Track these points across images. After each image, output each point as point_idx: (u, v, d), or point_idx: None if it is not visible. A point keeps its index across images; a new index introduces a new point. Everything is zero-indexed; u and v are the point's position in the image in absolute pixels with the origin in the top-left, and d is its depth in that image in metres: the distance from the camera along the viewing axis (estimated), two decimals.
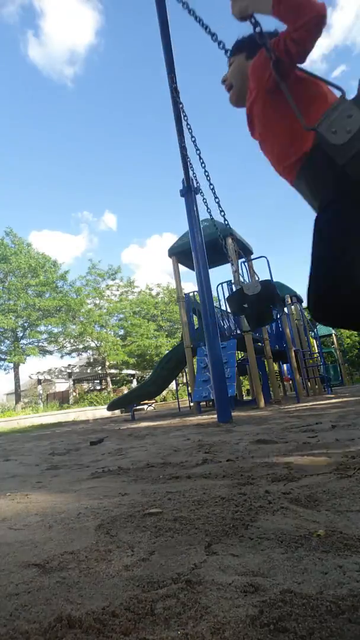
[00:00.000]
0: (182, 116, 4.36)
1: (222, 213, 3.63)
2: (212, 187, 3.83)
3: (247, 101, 1.45)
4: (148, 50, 60.93)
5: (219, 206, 3.64)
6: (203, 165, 3.96)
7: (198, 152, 4.02)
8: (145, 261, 68.62)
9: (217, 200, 3.73)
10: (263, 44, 1.26)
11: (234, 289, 2.79)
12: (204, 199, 4.26)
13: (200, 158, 4.01)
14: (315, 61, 68.88)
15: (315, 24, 1.14)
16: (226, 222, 3.41)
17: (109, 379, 23.94)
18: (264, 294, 2.71)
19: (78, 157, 57.25)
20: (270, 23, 1.29)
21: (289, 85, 1.23)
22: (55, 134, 53.22)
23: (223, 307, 9.07)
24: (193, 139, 4.07)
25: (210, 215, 4.09)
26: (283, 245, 72.12)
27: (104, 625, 0.63)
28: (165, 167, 62.35)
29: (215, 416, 4.96)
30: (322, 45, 68.47)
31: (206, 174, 3.91)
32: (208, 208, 4.17)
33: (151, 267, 63.34)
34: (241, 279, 4.19)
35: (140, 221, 67.94)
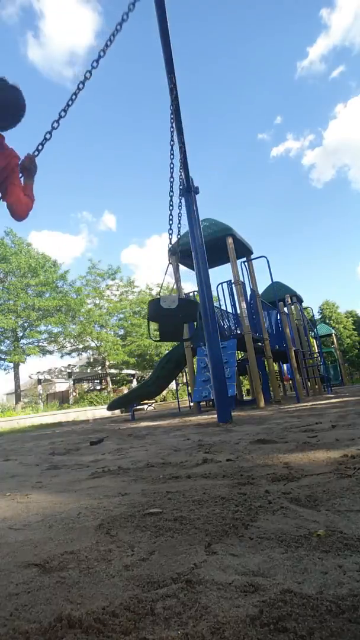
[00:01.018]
0: (180, 116, 4.36)
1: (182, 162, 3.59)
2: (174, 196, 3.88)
3: None
4: (147, 50, 60.92)
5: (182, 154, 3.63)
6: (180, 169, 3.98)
7: (182, 148, 4.04)
8: (145, 261, 68.61)
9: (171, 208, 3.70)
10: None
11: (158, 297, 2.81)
12: (179, 204, 4.26)
13: (187, 163, 4.07)
14: (314, 62, 68.79)
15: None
16: (189, 178, 3.43)
17: (109, 378, 23.94)
18: (178, 312, 2.71)
19: (77, 158, 57.30)
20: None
21: None
22: (53, 134, 53.16)
23: (223, 307, 9.07)
24: (181, 144, 4.11)
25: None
26: (283, 245, 72.17)
27: (104, 625, 0.63)
28: (164, 168, 62.14)
29: (215, 416, 4.96)
30: (320, 46, 68.38)
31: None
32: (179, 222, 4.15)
33: (151, 267, 63.34)
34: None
35: (139, 221, 67.97)
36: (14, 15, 48.41)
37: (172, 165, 3.81)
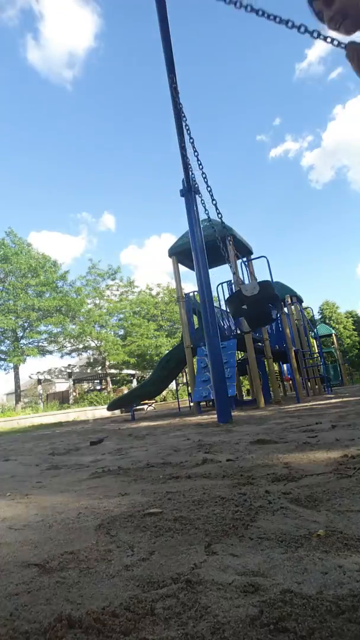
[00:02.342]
0: (181, 116, 4.36)
1: (220, 215, 3.62)
2: (209, 189, 3.84)
3: None
4: (147, 52, 60.88)
5: (217, 208, 3.65)
6: (201, 167, 3.97)
7: (196, 153, 4.03)
8: (144, 262, 68.67)
9: (214, 202, 3.73)
10: None
11: (234, 290, 2.80)
12: (202, 200, 4.26)
13: (198, 160, 4.02)
14: (312, 63, 68.90)
15: None
16: (224, 225, 3.39)
17: (109, 379, 23.94)
18: (262, 295, 2.70)
19: (77, 158, 57.40)
20: None
21: None
22: (53, 135, 53.33)
23: (223, 307, 9.07)
24: (191, 140, 4.08)
25: (208, 217, 4.09)
26: (283, 246, 72.20)
27: (104, 625, 0.63)
28: (164, 168, 62.33)
29: (215, 416, 4.96)
30: (318, 48, 68.47)
31: (204, 175, 3.93)
32: (206, 210, 4.16)
33: (150, 267, 63.41)
34: (240, 280, 4.20)
35: (138, 222, 68.07)
36: (14, 17, 48.49)
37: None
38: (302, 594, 0.67)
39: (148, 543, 0.98)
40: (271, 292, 2.96)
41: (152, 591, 0.74)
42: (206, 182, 3.91)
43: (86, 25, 58.38)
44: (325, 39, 1.65)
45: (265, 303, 2.93)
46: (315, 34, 1.66)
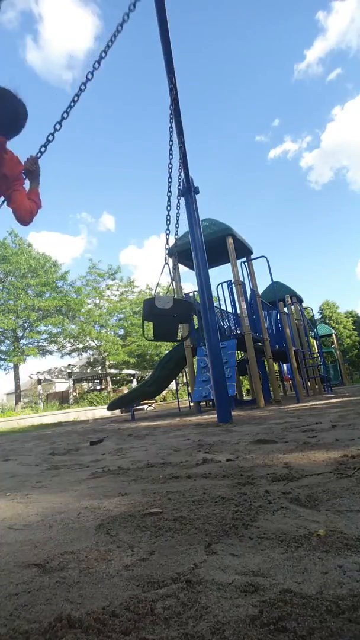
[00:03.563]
0: (180, 116, 4.36)
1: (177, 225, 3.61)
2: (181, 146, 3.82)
3: None
4: (147, 52, 60.93)
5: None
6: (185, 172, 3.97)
7: (182, 148, 4.06)
8: (143, 262, 68.64)
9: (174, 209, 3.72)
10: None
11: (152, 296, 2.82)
12: (177, 205, 4.25)
13: (186, 165, 4.07)
14: (311, 64, 68.94)
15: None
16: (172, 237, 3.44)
17: (109, 378, 23.94)
18: (173, 312, 2.71)
19: (76, 159, 57.40)
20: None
21: None
22: (56, 136, 53.31)
23: (223, 307, 9.07)
24: (181, 145, 4.11)
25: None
26: (283, 246, 72.18)
27: (104, 625, 0.63)
28: (163, 168, 62.31)
29: (215, 416, 4.96)
30: (317, 49, 68.55)
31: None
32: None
33: (149, 267, 63.40)
34: (160, 291, 4.21)
35: (138, 222, 68.12)
36: (13, 19, 48.51)
37: (170, 166, 3.79)
38: (302, 594, 0.67)
39: (148, 543, 0.98)
40: (185, 313, 2.97)
41: (152, 591, 0.74)
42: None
43: (86, 26, 58.46)
44: None
45: (174, 321, 2.94)
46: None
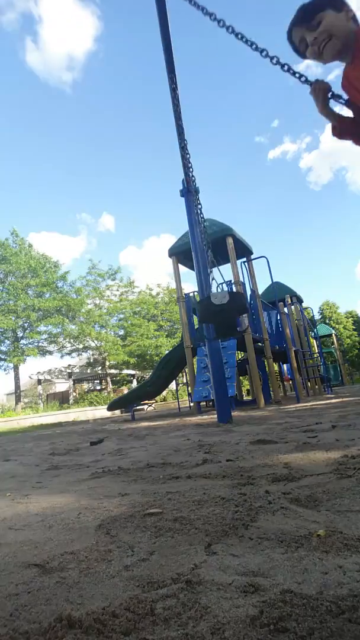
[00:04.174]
0: (181, 116, 4.36)
1: (203, 219, 3.68)
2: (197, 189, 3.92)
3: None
4: (147, 53, 61.03)
5: (200, 212, 3.73)
6: (191, 170, 4.07)
7: (188, 155, 4.10)
8: (143, 262, 68.72)
9: (199, 206, 3.79)
10: None
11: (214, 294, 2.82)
12: (197, 202, 4.28)
13: (189, 162, 4.10)
14: (310, 65, 68.91)
15: None
16: (205, 231, 3.45)
17: (109, 379, 23.94)
18: (231, 306, 2.71)
19: (76, 159, 57.45)
20: None
21: None
22: (52, 137, 53.43)
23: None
24: (184, 142, 4.12)
25: (202, 217, 4.12)
26: (283, 246, 72.22)
27: (104, 625, 0.63)
28: (163, 169, 62.49)
29: (215, 416, 4.96)
30: None
31: (194, 179, 4.01)
32: (201, 213, 4.20)
33: (149, 268, 63.46)
34: (214, 289, 4.27)
35: (137, 223, 68.21)
36: (13, 21, 48.57)
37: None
38: (302, 594, 0.67)
39: (148, 543, 0.98)
40: (240, 303, 2.97)
41: (152, 591, 0.74)
42: (194, 183, 3.99)
43: (86, 28, 58.57)
44: (294, 73, 1.74)
45: (233, 314, 2.94)
46: (285, 67, 1.74)
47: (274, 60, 1.78)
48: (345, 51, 1.52)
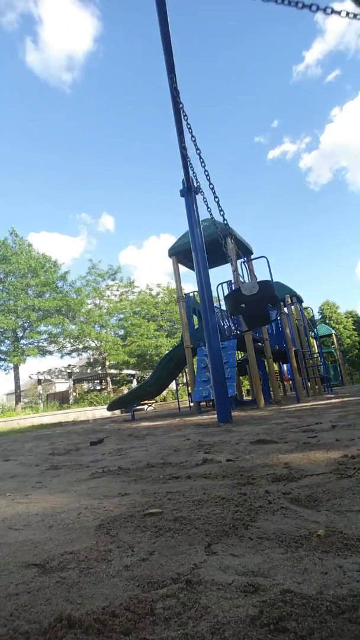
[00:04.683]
0: (182, 116, 4.36)
1: (222, 212, 3.64)
2: (212, 186, 3.86)
3: None
4: (147, 53, 61.05)
5: (219, 205, 3.68)
6: (203, 164, 4.01)
7: (198, 151, 4.06)
8: (143, 262, 68.73)
9: (217, 199, 3.75)
10: None
11: (233, 288, 2.80)
12: (204, 198, 4.29)
13: (200, 158, 4.04)
14: (310, 66, 68.93)
15: None
16: (225, 222, 3.40)
17: (109, 379, 23.93)
18: (261, 295, 2.69)
19: (76, 160, 57.47)
20: None
21: None
22: (52, 137, 53.45)
23: (223, 307, 9.06)
24: (193, 138, 4.09)
25: (211, 215, 4.11)
26: (283, 246, 72.24)
27: (104, 625, 0.63)
28: (163, 169, 62.50)
29: (215, 416, 4.96)
30: (316, 51, 68.77)
31: (206, 173, 3.95)
32: (208, 207, 4.18)
33: (149, 268, 63.47)
34: (241, 279, 4.21)
35: (137, 223, 68.21)
36: (13, 21, 48.61)
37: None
38: (302, 594, 0.67)
39: (148, 543, 0.98)
40: (271, 292, 2.94)
41: (152, 591, 0.74)
42: (209, 180, 3.93)
43: (85, 28, 58.60)
44: (339, 13, 1.64)
45: (264, 303, 2.90)
46: (328, 10, 1.64)
47: (313, 8, 1.70)
48: None
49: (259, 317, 3.12)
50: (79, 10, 61.32)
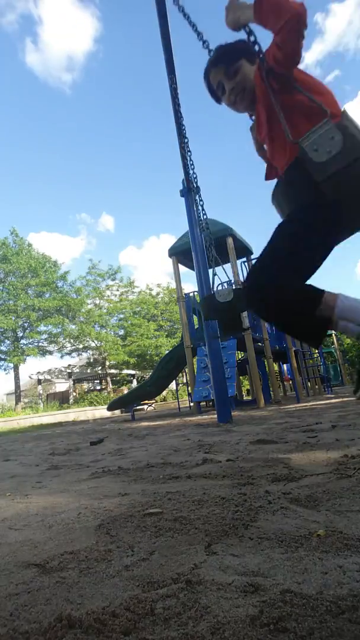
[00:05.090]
0: (181, 116, 4.36)
1: (205, 217, 3.72)
2: (198, 189, 3.96)
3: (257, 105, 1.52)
4: (146, 53, 61.15)
5: (202, 209, 3.78)
6: (192, 167, 4.12)
7: (189, 154, 4.12)
8: (143, 263, 68.72)
9: (201, 203, 3.82)
10: (258, 52, 1.35)
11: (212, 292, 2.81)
12: (199, 200, 4.30)
13: (190, 160, 4.13)
14: (309, 66, 69.30)
15: (294, 23, 1.22)
16: (208, 228, 3.45)
17: (109, 379, 23.93)
18: (235, 303, 2.68)
19: (76, 160, 57.42)
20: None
21: (281, 98, 1.33)
22: (52, 137, 53.39)
23: None
24: (186, 140, 4.13)
25: (205, 216, 4.13)
26: None
27: (104, 625, 0.63)
28: (162, 169, 62.49)
29: (215, 416, 4.96)
30: (316, 51, 68.92)
31: (194, 176, 4.04)
32: (203, 211, 4.22)
33: (149, 268, 63.47)
34: (217, 286, 4.25)
35: (137, 223, 68.15)
36: (13, 22, 48.66)
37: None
38: (302, 594, 0.67)
39: (148, 543, 0.98)
40: (244, 305, 2.94)
41: (152, 591, 0.74)
42: (195, 183, 4.01)
43: (85, 29, 58.62)
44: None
45: (238, 311, 2.91)
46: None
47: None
48: (253, 104, 1.55)
49: (234, 325, 3.14)
50: (79, 11, 61.49)
